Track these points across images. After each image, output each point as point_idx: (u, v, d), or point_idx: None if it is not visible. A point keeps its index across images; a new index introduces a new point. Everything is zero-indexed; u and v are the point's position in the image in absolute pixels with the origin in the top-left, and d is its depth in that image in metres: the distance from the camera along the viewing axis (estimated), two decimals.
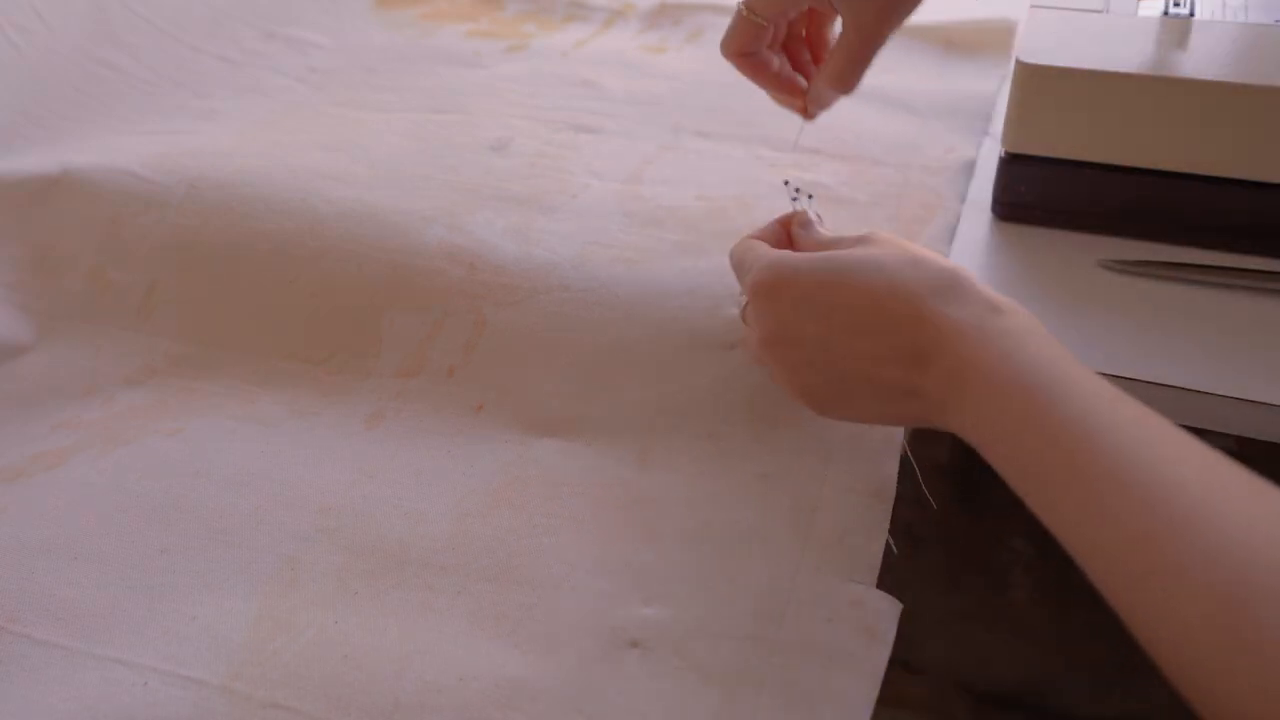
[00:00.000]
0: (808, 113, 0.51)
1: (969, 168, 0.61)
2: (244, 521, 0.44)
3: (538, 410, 0.49)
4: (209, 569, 0.42)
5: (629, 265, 0.53)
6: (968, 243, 0.55)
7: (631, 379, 0.49)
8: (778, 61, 0.50)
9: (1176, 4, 0.56)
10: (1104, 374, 0.45)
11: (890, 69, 0.71)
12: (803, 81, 0.51)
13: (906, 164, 0.61)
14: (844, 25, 0.46)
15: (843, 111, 0.48)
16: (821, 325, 0.38)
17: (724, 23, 0.49)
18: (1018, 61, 0.52)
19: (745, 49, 0.48)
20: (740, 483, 0.44)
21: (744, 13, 0.48)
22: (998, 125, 0.65)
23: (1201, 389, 0.44)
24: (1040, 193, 0.54)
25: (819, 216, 0.47)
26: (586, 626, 0.39)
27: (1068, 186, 0.54)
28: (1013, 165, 0.54)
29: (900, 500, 0.43)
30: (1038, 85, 0.51)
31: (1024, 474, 0.33)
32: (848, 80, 0.47)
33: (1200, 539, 0.27)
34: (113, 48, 0.73)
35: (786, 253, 0.41)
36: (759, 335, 0.41)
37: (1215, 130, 0.49)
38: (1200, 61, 0.50)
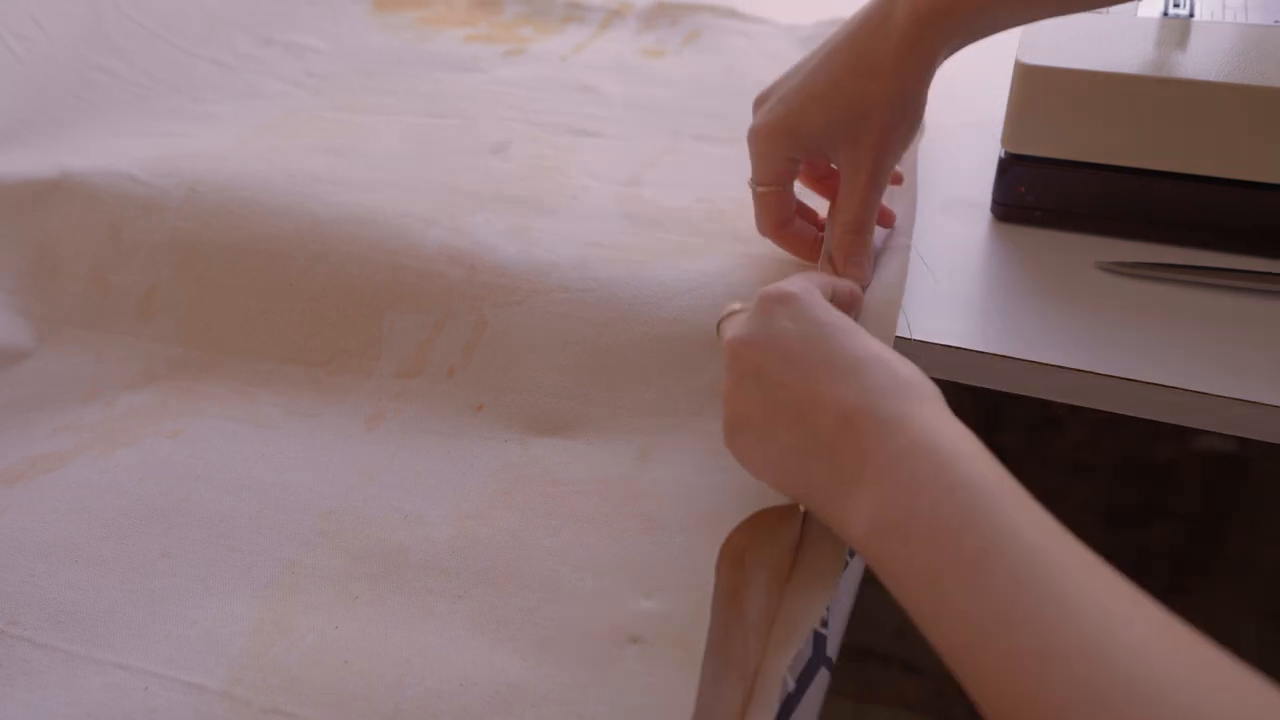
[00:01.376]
0: (838, 271, 0.47)
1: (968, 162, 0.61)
2: (244, 525, 0.44)
3: (538, 410, 0.49)
4: (209, 573, 0.42)
5: (629, 266, 0.53)
6: (967, 243, 0.55)
7: (632, 379, 0.49)
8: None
9: (1176, 5, 0.56)
10: (1103, 375, 0.46)
11: None
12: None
13: (905, 163, 0.61)
14: (843, 173, 0.46)
15: None
16: (797, 349, 0.36)
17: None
18: (1018, 61, 0.52)
19: (777, 220, 0.49)
20: (740, 482, 0.44)
21: (756, 190, 0.49)
22: (998, 125, 0.64)
23: (1201, 389, 0.44)
24: (1039, 193, 0.54)
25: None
26: (588, 630, 0.39)
27: (1067, 187, 0.54)
28: (1012, 165, 0.54)
29: None
30: (1038, 85, 0.51)
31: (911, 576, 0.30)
32: (862, 222, 0.46)
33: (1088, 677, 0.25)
34: (109, 53, 0.73)
35: (821, 278, 0.41)
36: (739, 332, 0.39)
37: (1215, 131, 0.50)
38: (1199, 62, 0.50)
